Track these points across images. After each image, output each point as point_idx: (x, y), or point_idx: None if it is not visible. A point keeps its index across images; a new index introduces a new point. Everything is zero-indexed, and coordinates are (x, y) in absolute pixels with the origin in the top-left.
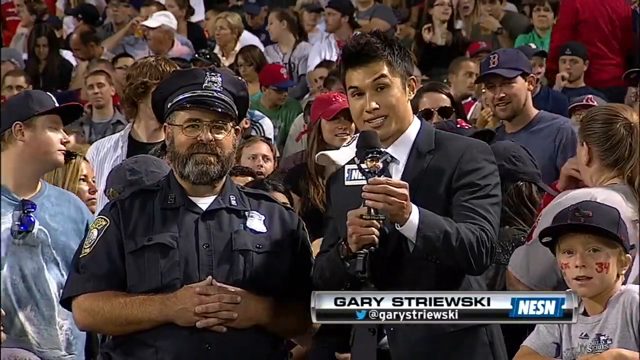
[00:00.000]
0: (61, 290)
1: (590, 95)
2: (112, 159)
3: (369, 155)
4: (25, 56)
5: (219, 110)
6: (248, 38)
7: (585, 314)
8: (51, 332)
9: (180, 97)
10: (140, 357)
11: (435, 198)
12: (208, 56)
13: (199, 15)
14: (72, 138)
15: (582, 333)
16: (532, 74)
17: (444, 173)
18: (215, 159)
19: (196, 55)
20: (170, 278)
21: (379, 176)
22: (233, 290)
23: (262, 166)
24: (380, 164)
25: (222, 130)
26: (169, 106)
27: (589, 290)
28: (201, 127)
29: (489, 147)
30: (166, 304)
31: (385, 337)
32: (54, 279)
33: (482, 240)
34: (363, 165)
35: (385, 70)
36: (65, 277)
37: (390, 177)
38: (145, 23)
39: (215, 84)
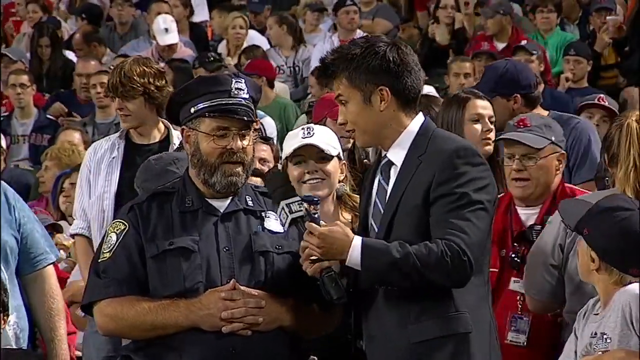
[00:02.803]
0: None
1: (601, 95)
2: (109, 160)
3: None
4: (28, 56)
5: (246, 118)
6: (256, 38)
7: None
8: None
9: (207, 103)
10: None
11: (414, 207)
12: (211, 59)
13: (202, 16)
14: (77, 136)
15: (592, 332)
16: (516, 94)
17: (423, 182)
18: (242, 168)
19: (206, 60)
20: (193, 282)
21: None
22: (257, 293)
23: (259, 169)
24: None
25: (247, 137)
26: (192, 111)
27: None
28: (230, 136)
29: (474, 150)
30: (191, 309)
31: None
32: None
33: (446, 253)
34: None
35: (342, 88)
36: (4, 270)
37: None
38: (165, 42)
39: (242, 91)
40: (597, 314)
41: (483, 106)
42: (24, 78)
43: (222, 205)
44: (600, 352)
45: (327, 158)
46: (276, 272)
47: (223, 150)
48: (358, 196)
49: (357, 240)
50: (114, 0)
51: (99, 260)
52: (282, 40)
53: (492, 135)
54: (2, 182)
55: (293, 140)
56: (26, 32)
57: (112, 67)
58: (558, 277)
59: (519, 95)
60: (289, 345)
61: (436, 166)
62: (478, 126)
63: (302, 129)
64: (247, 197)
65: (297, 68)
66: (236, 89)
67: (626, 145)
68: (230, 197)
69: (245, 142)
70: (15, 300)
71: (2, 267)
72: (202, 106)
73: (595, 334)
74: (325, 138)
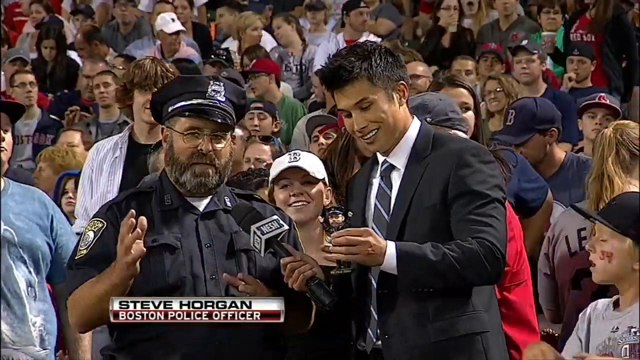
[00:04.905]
0: (29, 288)
1: (602, 94)
2: (111, 160)
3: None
4: (32, 56)
5: (219, 120)
6: (265, 38)
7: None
8: (24, 330)
9: (183, 103)
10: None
11: (429, 207)
12: (224, 57)
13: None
14: (77, 136)
15: (614, 327)
16: (553, 128)
17: (437, 181)
18: (213, 170)
19: (212, 57)
20: (177, 277)
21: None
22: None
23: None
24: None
25: (222, 140)
26: (169, 110)
27: (597, 276)
28: (201, 137)
29: (484, 148)
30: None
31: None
32: (22, 277)
33: (480, 251)
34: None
35: (365, 90)
36: (34, 274)
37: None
38: (172, 29)
39: (218, 94)
40: (617, 310)
41: (457, 94)
42: (31, 77)
43: (201, 204)
44: (626, 346)
45: (312, 182)
46: (259, 270)
47: (194, 150)
48: None
49: (391, 245)
50: (117, 1)
51: (76, 257)
52: (291, 38)
53: None
54: (42, 192)
55: (279, 165)
56: (29, 32)
57: (115, 66)
58: (552, 284)
59: (555, 129)
60: (271, 339)
61: (450, 165)
62: None
63: (289, 154)
64: (225, 197)
65: (304, 67)
66: (213, 90)
67: (598, 154)
68: (210, 197)
69: (219, 145)
70: (43, 305)
71: (28, 273)
72: (178, 105)
73: (617, 328)
74: (311, 162)
